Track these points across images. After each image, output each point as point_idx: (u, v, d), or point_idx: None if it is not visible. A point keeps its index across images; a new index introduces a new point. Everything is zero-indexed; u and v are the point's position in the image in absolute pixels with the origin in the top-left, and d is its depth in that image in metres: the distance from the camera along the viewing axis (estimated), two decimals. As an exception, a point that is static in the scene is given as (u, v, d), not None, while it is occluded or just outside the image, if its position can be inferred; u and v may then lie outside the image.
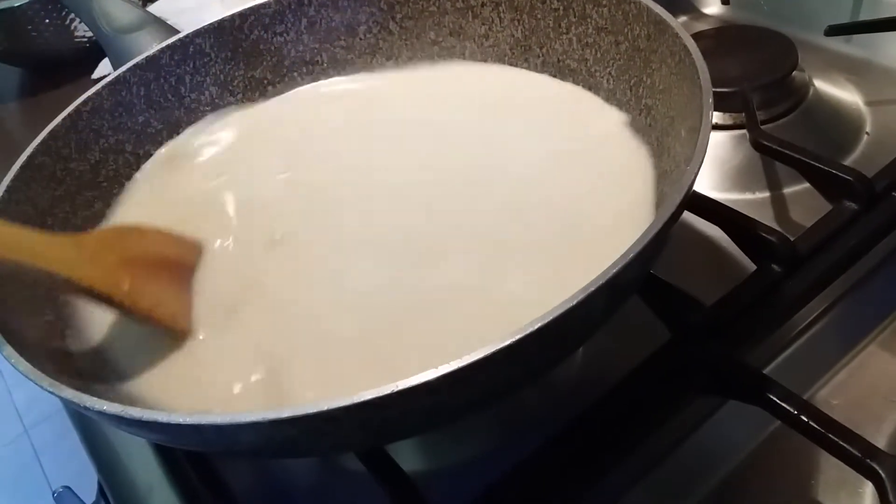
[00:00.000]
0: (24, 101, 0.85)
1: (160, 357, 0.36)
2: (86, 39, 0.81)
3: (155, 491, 0.39)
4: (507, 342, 0.24)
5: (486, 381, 0.26)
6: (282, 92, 0.52)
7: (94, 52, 0.77)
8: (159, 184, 0.46)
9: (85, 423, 0.43)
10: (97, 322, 0.38)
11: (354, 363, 0.33)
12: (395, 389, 0.23)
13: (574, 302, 0.24)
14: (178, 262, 0.39)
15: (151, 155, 0.47)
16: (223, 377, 0.34)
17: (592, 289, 0.25)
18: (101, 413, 0.26)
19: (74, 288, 0.33)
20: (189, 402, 0.33)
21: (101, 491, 0.40)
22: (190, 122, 0.49)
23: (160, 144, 0.48)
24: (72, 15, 0.78)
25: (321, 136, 0.48)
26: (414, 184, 0.42)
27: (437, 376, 0.23)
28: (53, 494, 0.41)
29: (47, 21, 0.78)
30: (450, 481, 0.36)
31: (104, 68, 0.77)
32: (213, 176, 0.46)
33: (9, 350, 0.29)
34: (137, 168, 0.47)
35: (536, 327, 0.24)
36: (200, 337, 0.36)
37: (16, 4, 0.75)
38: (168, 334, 0.36)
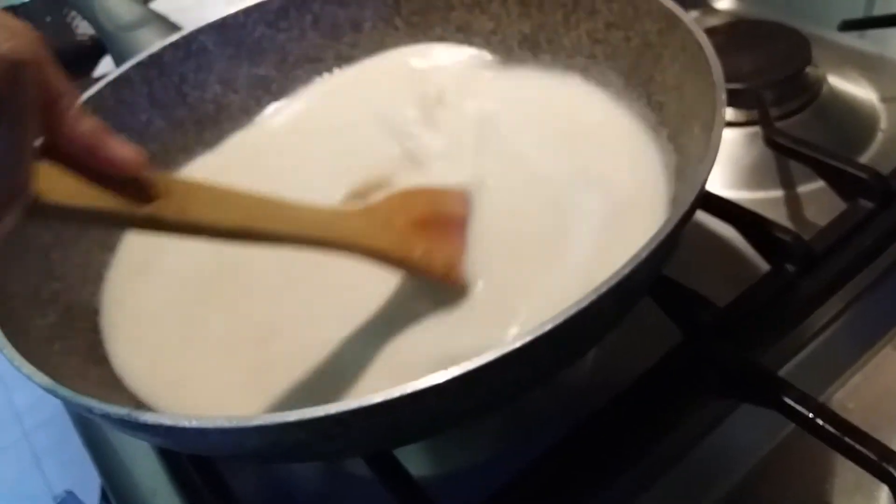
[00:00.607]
0: (27, 99, 0.85)
1: (162, 357, 0.35)
2: (87, 37, 0.80)
3: (159, 496, 0.38)
4: (518, 344, 0.23)
5: (497, 384, 0.26)
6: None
7: (96, 50, 0.77)
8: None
9: (88, 426, 0.43)
10: (102, 323, 0.38)
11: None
12: (405, 392, 0.23)
13: (585, 303, 0.24)
14: (456, 215, 0.40)
15: (154, 154, 0.47)
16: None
17: (603, 290, 0.24)
18: (106, 416, 0.26)
19: (372, 256, 0.34)
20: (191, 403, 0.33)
21: (104, 496, 0.40)
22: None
23: (162, 143, 0.47)
24: (73, 13, 0.78)
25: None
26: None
27: (447, 379, 0.23)
28: (57, 500, 0.41)
29: (48, 19, 0.78)
30: (458, 486, 0.36)
31: (106, 66, 0.77)
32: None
33: (11, 352, 0.29)
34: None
35: (547, 329, 0.24)
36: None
37: (17, 2, 0.75)
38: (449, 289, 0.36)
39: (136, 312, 0.38)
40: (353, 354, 0.34)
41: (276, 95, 0.51)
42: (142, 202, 0.27)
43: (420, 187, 0.40)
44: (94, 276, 0.40)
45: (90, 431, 0.43)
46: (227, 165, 0.47)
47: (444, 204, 0.40)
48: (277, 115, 0.50)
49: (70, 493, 0.40)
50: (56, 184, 0.25)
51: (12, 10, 0.76)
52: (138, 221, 0.27)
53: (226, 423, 0.24)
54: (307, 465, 0.39)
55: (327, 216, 0.34)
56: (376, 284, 0.37)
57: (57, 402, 0.28)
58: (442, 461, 0.38)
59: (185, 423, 0.24)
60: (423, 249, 0.35)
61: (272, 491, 0.39)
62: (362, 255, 0.34)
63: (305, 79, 0.51)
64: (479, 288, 0.36)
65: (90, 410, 0.26)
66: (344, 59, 0.51)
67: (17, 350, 0.29)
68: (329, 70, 0.51)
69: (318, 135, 0.48)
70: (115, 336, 0.37)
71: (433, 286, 0.36)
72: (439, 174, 0.42)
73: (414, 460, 0.35)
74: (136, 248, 0.42)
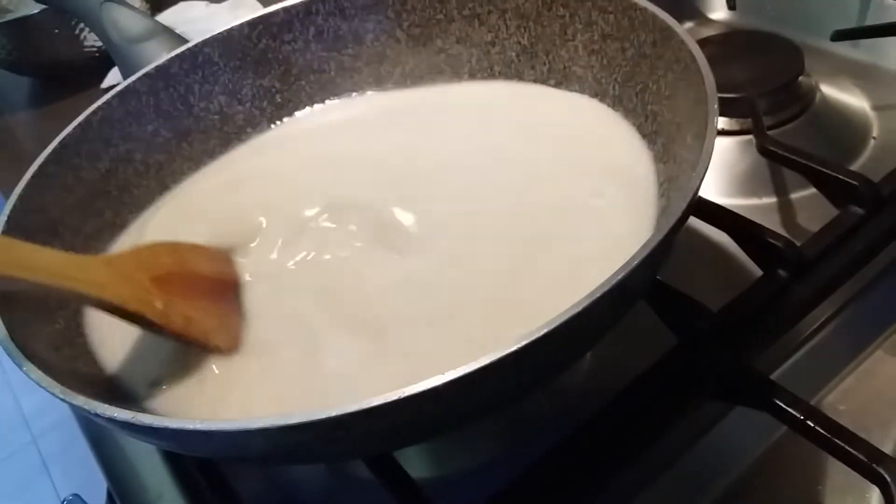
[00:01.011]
0: (34, 110, 0.86)
1: (170, 362, 0.36)
2: (95, 49, 0.81)
3: (165, 499, 0.39)
4: (514, 348, 0.24)
5: (493, 387, 0.26)
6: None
7: (103, 61, 0.77)
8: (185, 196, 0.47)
9: (94, 430, 0.44)
10: (108, 330, 0.38)
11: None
12: (402, 395, 0.23)
13: (580, 307, 0.24)
14: (217, 278, 0.39)
15: (161, 164, 0.48)
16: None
17: (598, 294, 0.25)
18: (112, 420, 0.26)
19: (104, 308, 0.33)
20: (199, 406, 0.33)
21: (110, 499, 0.40)
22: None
23: (168, 153, 0.48)
24: (81, 25, 0.79)
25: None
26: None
27: (444, 382, 0.23)
28: (63, 502, 0.41)
29: (56, 31, 0.78)
30: (457, 488, 0.36)
31: (113, 78, 0.78)
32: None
33: (20, 357, 0.29)
34: (147, 177, 0.47)
35: (543, 332, 0.24)
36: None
37: (26, 14, 0.76)
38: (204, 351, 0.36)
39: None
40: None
41: (281, 106, 0.52)
42: None
43: (173, 242, 0.39)
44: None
45: (96, 435, 0.43)
46: (232, 175, 0.48)
47: (199, 263, 0.39)
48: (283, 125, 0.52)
49: (76, 496, 0.41)
50: None
51: (22, 20, 0.76)
52: None
53: (229, 426, 0.24)
54: (309, 467, 0.40)
55: (63, 261, 0.32)
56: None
57: (64, 407, 0.28)
58: (442, 463, 0.38)
59: (190, 426, 0.25)
60: (162, 306, 0.34)
61: (275, 493, 0.39)
62: (96, 306, 0.33)
63: (309, 90, 0.52)
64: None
65: (96, 414, 0.26)
66: (346, 71, 0.52)
67: (25, 356, 0.29)
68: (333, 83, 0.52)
69: (323, 145, 0.49)
70: (121, 342, 0.37)
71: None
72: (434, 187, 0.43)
73: (414, 462, 0.35)
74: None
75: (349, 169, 0.46)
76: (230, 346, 0.36)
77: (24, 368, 0.29)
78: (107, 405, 0.26)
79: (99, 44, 0.81)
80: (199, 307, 0.36)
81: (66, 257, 0.33)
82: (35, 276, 0.30)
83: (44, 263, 0.31)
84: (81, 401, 0.27)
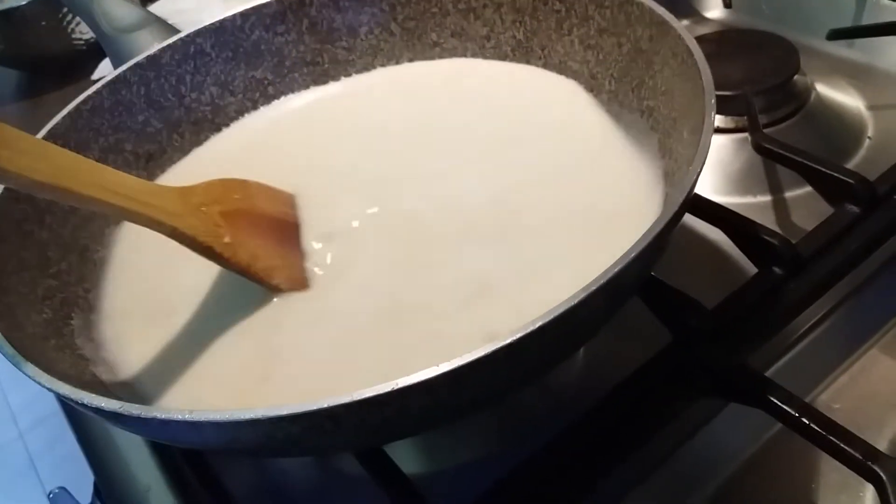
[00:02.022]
0: (23, 102, 0.85)
1: (157, 353, 0.36)
2: (83, 42, 0.81)
3: (152, 491, 0.39)
4: (507, 341, 0.24)
5: (485, 381, 0.26)
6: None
7: (92, 54, 0.77)
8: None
9: (81, 422, 0.43)
10: (94, 321, 0.38)
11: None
12: (396, 387, 0.23)
13: (574, 301, 0.24)
14: (281, 218, 0.40)
15: (152, 155, 0.47)
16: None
17: (593, 288, 0.25)
18: (100, 410, 0.26)
19: (177, 238, 0.34)
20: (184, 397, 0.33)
21: (96, 492, 0.40)
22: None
23: (159, 143, 0.48)
24: (69, 17, 0.78)
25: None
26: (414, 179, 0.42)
27: (436, 374, 0.23)
28: (48, 495, 0.41)
29: (44, 23, 0.78)
30: (449, 484, 0.36)
31: (104, 69, 0.77)
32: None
33: (7, 348, 0.29)
34: (137, 167, 0.46)
35: (537, 326, 0.24)
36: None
37: (12, 7, 0.75)
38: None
39: (131, 309, 0.39)
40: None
41: (273, 98, 0.51)
42: None
43: (242, 179, 0.40)
44: (90, 273, 0.40)
45: (84, 428, 0.43)
46: (219, 161, 0.48)
47: (265, 201, 0.40)
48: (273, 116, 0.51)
49: (62, 489, 0.40)
50: None
51: (9, 13, 0.76)
52: None
53: (218, 417, 0.24)
54: (300, 461, 0.39)
55: (142, 188, 0.34)
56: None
57: (52, 401, 0.28)
58: (434, 459, 0.38)
59: (178, 417, 0.24)
60: (228, 241, 0.35)
61: (265, 487, 0.39)
62: (169, 235, 0.34)
63: (302, 82, 0.52)
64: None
65: (83, 404, 0.26)
66: (340, 64, 0.52)
67: (13, 346, 0.29)
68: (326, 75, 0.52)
69: (313, 137, 0.49)
70: (109, 332, 0.37)
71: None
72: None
73: (406, 458, 0.35)
74: (132, 245, 0.42)
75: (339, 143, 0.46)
76: (291, 286, 0.37)
77: (12, 359, 0.28)
78: (94, 395, 0.26)
79: (87, 36, 0.81)
80: (264, 245, 0.37)
81: (146, 184, 0.35)
82: (117, 199, 0.32)
83: (125, 189, 0.32)
84: (68, 390, 0.27)
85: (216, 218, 0.36)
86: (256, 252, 0.36)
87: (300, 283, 0.37)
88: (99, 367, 0.35)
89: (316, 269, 0.38)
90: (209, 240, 0.35)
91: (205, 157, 0.49)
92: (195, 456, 0.38)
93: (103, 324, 0.37)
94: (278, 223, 0.40)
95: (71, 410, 0.44)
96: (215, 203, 0.36)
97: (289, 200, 0.41)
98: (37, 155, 0.29)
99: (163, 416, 0.25)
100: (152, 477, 0.39)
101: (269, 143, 0.49)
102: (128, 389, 0.34)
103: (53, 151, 0.31)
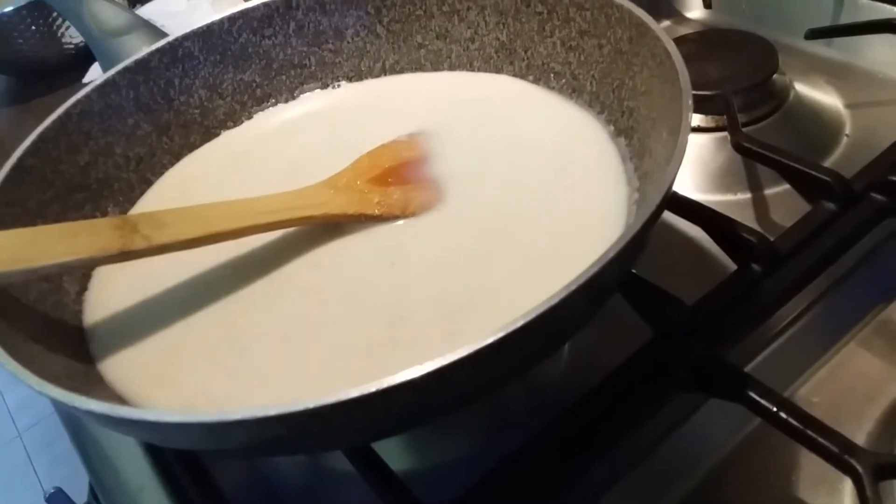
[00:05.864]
0: (12, 107, 0.85)
1: (146, 355, 0.36)
2: (72, 46, 0.80)
3: (145, 492, 0.39)
4: (490, 340, 0.24)
5: (470, 379, 0.26)
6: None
7: (81, 59, 0.77)
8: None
9: (75, 423, 0.44)
10: (86, 324, 0.38)
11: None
12: (380, 387, 0.24)
13: (556, 300, 0.25)
14: (420, 158, 0.44)
15: (142, 158, 0.48)
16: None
17: (574, 287, 0.25)
18: (90, 412, 0.26)
19: (329, 220, 0.39)
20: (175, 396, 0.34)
21: (92, 492, 0.40)
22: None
23: (149, 146, 0.48)
24: (58, 22, 0.78)
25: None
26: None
27: (421, 374, 0.24)
28: (45, 496, 0.41)
29: (33, 28, 0.78)
30: (437, 480, 0.37)
31: (94, 73, 0.77)
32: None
33: (-1, 351, 0.29)
34: (127, 170, 0.47)
35: (519, 325, 0.24)
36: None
37: (2, 11, 0.75)
38: None
39: (121, 311, 0.39)
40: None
41: (261, 101, 0.52)
42: (112, 241, 0.33)
43: (387, 144, 0.44)
44: (81, 275, 0.41)
45: (78, 429, 0.43)
46: (212, 165, 0.48)
47: (403, 151, 0.44)
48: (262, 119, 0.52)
49: (58, 490, 0.41)
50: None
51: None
52: (113, 259, 0.33)
53: (207, 418, 0.24)
54: (291, 460, 0.40)
55: (284, 199, 0.39)
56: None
57: (48, 401, 0.28)
58: (421, 456, 0.39)
59: (167, 418, 0.25)
60: (378, 200, 0.40)
61: (257, 486, 0.39)
62: (321, 222, 0.39)
63: (289, 84, 0.52)
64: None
65: (74, 407, 0.26)
66: (327, 66, 0.52)
67: (3, 349, 0.29)
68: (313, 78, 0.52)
69: (303, 139, 0.49)
70: (100, 335, 0.37)
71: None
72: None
73: (394, 455, 0.35)
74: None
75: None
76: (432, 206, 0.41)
77: (3, 362, 0.29)
78: (84, 397, 0.26)
79: (77, 41, 0.80)
80: (411, 187, 0.41)
81: (290, 194, 0.39)
82: (267, 218, 0.37)
83: (272, 207, 0.38)
84: (58, 393, 0.27)
85: (364, 187, 0.40)
86: (408, 196, 0.41)
87: (436, 201, 0.41)
88: (90, 369, 0.36)
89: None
90: (359, 209, 0.39)
91: (195, 164, 0.49)
92: (188, 456, 0.38)
93: (94, 327, 0.38)
94: (418, 162, 0.43)
95: (64, 410, 0.44)
96: (361, 176, 0.41)
97: (416, 141, 0.45)
98: (186, 219, 0.35)
99: (151, 418, 0.25)
100: (145, 477, 0.39)
101: (260, 149, 0.49)
102: (119, 391, 0.35)
103: (195, 210, 0.36)
